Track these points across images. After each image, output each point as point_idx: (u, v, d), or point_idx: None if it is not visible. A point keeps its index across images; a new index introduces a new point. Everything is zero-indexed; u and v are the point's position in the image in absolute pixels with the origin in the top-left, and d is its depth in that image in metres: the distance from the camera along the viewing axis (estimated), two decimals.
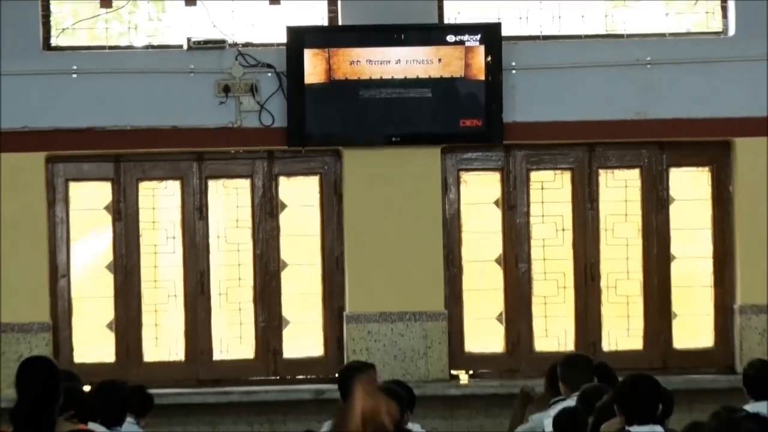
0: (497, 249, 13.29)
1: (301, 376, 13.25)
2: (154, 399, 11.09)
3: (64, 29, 13.17)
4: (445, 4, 13.22)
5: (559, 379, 11.13)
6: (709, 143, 13.24)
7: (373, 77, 12.78)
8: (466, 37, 12.79)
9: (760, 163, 13.10)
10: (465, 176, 13.31)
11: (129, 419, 10.53)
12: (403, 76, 12.76)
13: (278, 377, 13.21)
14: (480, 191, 13.37)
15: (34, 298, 12.88)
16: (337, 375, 11.18)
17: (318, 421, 10.74)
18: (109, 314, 13.16)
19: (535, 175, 13.34)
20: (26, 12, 12.97)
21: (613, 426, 9.44)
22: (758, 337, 12.99)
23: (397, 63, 12.78)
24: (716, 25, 13.28)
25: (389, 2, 12.97)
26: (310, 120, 12.78)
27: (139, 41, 13.27)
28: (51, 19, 13.15)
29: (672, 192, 13.36)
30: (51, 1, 13.22)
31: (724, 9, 13.27)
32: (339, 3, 13.12)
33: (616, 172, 13.38)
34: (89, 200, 13.27)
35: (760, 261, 13.13)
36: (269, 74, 12.88)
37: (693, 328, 13.54)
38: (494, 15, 13.12)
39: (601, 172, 13.36)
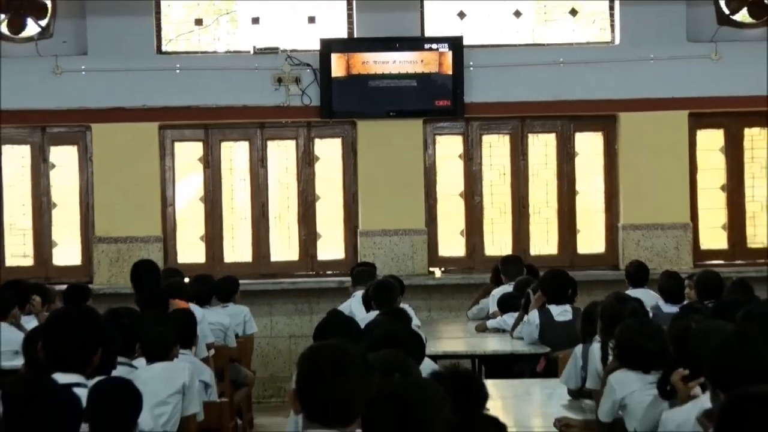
0: (460, 187, 13.54)
1: (329, 272, 13.37)
2: (239, 285, 11.47)
3: (170, 40, 13.37)
4: (426, 22, 13.31)
5: (501, 273, 11.67)
6: (601, 116, 13.45)
7: (377, 72, 13.04)
8: (438, 46, 13.06)
9: (637, 129, 13.29)
10: (438, 138, 13.53)
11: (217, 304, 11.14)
12: (397, 72, 13.04)
13: (314, 272, 13.41)
14: (448, 149, 13.56)
15: (151, 220, 13.17)
16: (351, 270, 11.94)
17: (341, 302, 10.86)
18: (201, 230, 13.47)
19: (485, 138, 13.57)
20: (144, 28, 13.17)
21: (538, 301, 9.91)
22: (634, 245, 13.19)
23: (393, 63, 13.05)
24: (607, 37, 13.46)
25: (388, 21, 13.13)
26: (335, 101, 13.05)
27: (220, 48, 13.45)
28: (162, 32, 13.33)
29: (577, 149, 13.59)
30: (162, 23, 13.34)
31: (612, 26, 13.38)
32: (355, 22, 13.24)
33: (540, 135, 13.60)
34: (187, 154, 13.47)
35: (636, 194, 13.31)
36: (308, 70, 13.10)
37: (590, 239, 13.66)
38: (458, 30, 13.26)
39: (530, 135, 13.58)
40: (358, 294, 10.48)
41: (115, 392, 5.28)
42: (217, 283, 11.35)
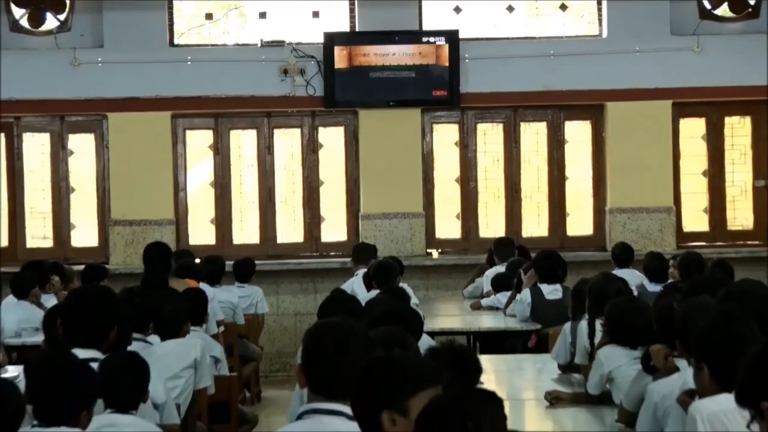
0: (456, 173, 13.52)
1: (332, 253, 13.33)
2: (255, 266, 11.61)
3: (182, 33, 13.38)
4: (423, 17, 13.28)
5: (494, 254, 11.69)
6: (589, 105, 13.42)
7: (377, 64, 13.02)
8: (435, 39, 13.03)
9: (623, 118, 13.23)
10: (436, 127, 13.49)
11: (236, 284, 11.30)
12: (396, 64, 13.01)
13: (318, 254, 13.39)
14: (445, 137, 13.55)
15: (164, 204, 13.20)
16: (352, 250, 11.90)
17: (343, 281, 10.77)
18: (211, 214, 13.46)
19: (480, 126, 13.53)
20: (157, 22, 13.14)
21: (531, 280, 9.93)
22: (621, 228, 13.16)
23: (393, 55, 13.03)
24: (595, 31, 13.46)
25: (387, 15, 13.09)
26: (338, 91, 13.03)
27: (229, 41, 13.47)
28: (174, 26, 13.31)
29: (566, 136, 13.56)
30: (174, 18, 13.32)
31: (600, 20, 13.39)
32: (356, 16, 13.20)
33: (531, 124, 13.56)
34: (198, 142, 13.47)
35: (622, 179, 13.24)
36: (312, 62, 13.07)
37: (579, 222, 13.63)
38: (454, 24, 13.23)
39: (522, 124, 13.54)
40: (360, 273, 10.50)
41: (123, 365, 5.31)
42: (236, 263, 11.50)
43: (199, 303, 8.33)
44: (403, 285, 9.33)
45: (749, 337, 4.32)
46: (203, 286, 9.58)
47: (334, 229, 13.63)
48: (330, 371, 3.92)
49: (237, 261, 11.58)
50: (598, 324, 6.84)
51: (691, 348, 4.58)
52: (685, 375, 4.84)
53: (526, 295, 9.79)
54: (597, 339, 6.79)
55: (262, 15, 13.47)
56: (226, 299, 10.45)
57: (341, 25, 13.37)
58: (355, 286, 10.08)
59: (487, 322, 10.24)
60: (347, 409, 3.80)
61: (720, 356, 4.26)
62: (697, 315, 5.00)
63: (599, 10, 13.52)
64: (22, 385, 4.59)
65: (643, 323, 6.08)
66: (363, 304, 6.80)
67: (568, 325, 7.52)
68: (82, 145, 13.50)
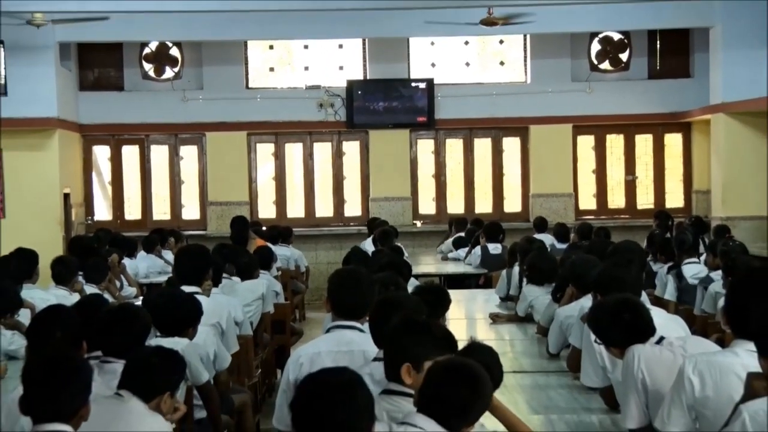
0: (432, 171, 13.39)
1: (352, 224, 13.14)
2: (293, 232, 11.33)
3: (254, 79, 13.19)
4: (411, 69, 13.08)
5: (454, 227, 11.48)
6: (519, 127, 13.21)
7: (381, 103, 12.91)
8: (419, 84, 12.95)
9: (540, 136, 13.05)
10: (419, 141, 13.33)
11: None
12: (395, 102, 12.92)
13: (342, 224, 13.22)
14: (425, 147, 13.38)
15: (242, 190, 13.07)
16: (366, 222, 12.05)
17: (359, 242, 10.14)
18: (273, 197, 13.32)
19: (448, 141, 13.38)
20: (237, 72, 13.00)
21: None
22: (539, 207, 12.91)
23: (393, 94, 12.91)
24: (522, 78, 13.28)
25: (387, 69, 12.95)
26: (356, 118, 12.90)
27: (284, 85, 13.26)
28: (249, 75, 13.19)
29: (504, 147, 13.36)
30: (249, 69, 13.20)
31: (525, 71, 13.21)
32: (368, 70, 13.05)
33: (481, 139, 13.38)
34: (264, 151, 13.32)
35: (540, 175, 13.00)
36: (339, 99, 12.95)
37: (512, 203, 13.37)
38: (430, 74, 13.05)
39: (475, 139, 13.37)
40: (369, 239, 10.33)
41: (171, 302, 4.61)
42: (280, 230, 11.20)
43: (266, 255, 8.17)
44: (398, 244, 9.03)
45: (627, 277, 4.14)
46: (268, 244, 9.35)
47: (353, 208, 13.50)
48: (346, 300, 3.80)
49: (282, 227, 11.31)
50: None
51: (591, 285, 4.32)
52: (583, 302, 4.65)
53: (477, 250, 9.70)
54: (525, 282, 6.60)
55: (306, 68, 13.36)
56: (281, 254, 10.22)
57: (358, 75, 13.25)
58: (367, 245, 9.78)
59: (452, 268, 10.05)
60: (358, 324, 3.75)
61: (609, 289, 3.95)
62: (584, 265, 4.93)
63: (525, 65, 13.37)
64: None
65: (550, 267, 6.03)
66: (371, 256, 6.63)
67: (505, 271, 7.49)
68: (189, 153, 13.45)
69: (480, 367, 2.76)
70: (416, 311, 3.46)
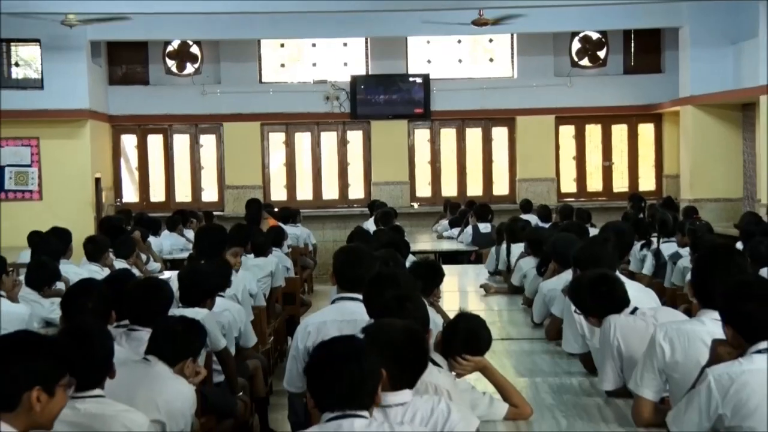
0: (428, 157, 13.28)
1: (355, 205, 13.05)
2: (300, 212, 11.16)
3: (266, 74, 13.09)
4: (409, 65, 12.98)
5: (448, 209, 11.38)
6: (506, 118, 13.10)
7: (382, 96, 12.86)
8: (416, 78, 12.86)
9: (526, 126, 12.93)
10: (416, 131, 13.25)
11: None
12: (394, 95, 12.85)
13: (347, 206, 13.16)
14: (421, 136, 13.30)
15: (256, 175, 13.01)
16: (368, 204, 11.86)
17: (362, 222, 10.19)
18: (284, 181, 13.26)
19: (442, 130, 13.30)
20: (251, 68, 12.91)
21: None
22: (524, 190, 12.88)
23: (392, 88, 12.84)
24: (509, 73, 13.19)
25: (387, 65, 12.86)
26: (359, 109, 12.84)
27: (294, 79, 13.17)
28: (262, 70, 13.07)
29: (493, 136, 13.21)
30: (262, 65, 13.09)
31: (513, 67, 13.13)
32: (370, 65, 12.98)
33: (473, 129, 13.27)
34: (276, 139, 13.18)
35: (526, 161, 12.90)
36: (343, 92, 12.89)
37: (501, 187, 13.23)
38: (427, 69, 12.96)
39: (467, 129, 13.28)
40: (371, 219, 10.21)
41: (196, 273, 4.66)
42: (291, 211, 11.18)
43: (278, 233, 8.16)
44: (397, 223, 8.83)
45: (604, 253, 4.09)
46: (280, 224, 9.36)
47: (356, 191, 13.46)
48: (349, 274, 3.76)
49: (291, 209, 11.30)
50: (512, 247, 6.75)
51: (572, 261, 4.24)
52: (565, 276, 4.62)
53: (469, 229, 9.66)
54: (512, 257, 6.61)
55: (314, 64, 13.30)
56: (292, 233, 10.12)
57: (361, 70, 13.20)
58: (369, 225, 9.67)
59: (446, 245, 10.01)
60: (360, 296, 3.59)
61: (588, 265, 3.92)
62: (565, 243, 4.89)
63: (512, 61, 13.31)
64: (172, 283, 4.38)
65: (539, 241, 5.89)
66: (373, 235, 6.56)
67: (494, 248, 7.47)
68: (208, 142, 13.35)
69: None
70: (408, 286, 3.39)
